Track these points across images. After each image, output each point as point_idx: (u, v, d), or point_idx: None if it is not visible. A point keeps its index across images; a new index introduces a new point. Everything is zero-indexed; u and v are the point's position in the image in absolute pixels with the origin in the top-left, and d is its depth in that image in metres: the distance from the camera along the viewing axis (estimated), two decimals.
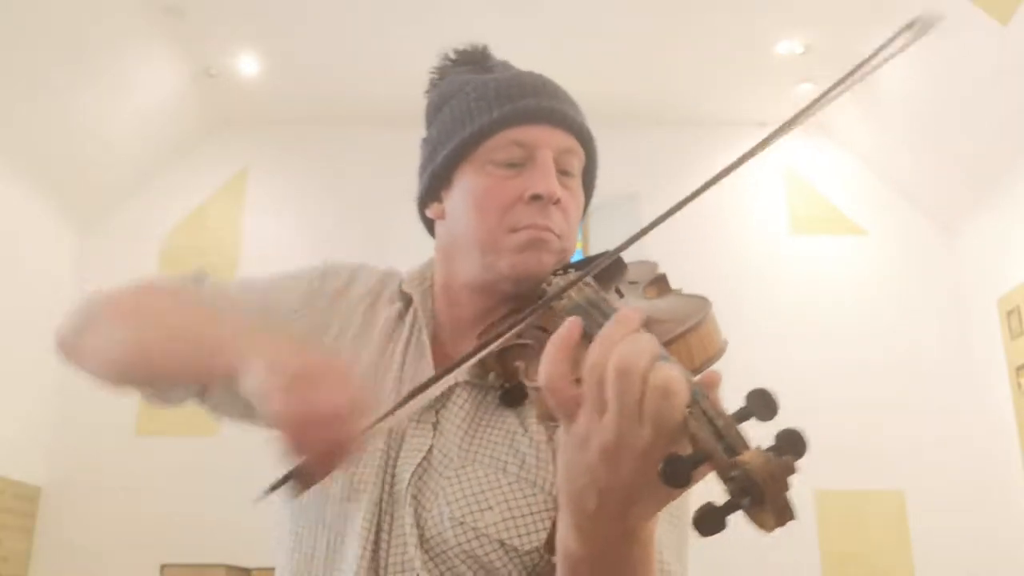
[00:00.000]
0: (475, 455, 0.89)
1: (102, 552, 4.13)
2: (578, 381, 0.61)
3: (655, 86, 4.62)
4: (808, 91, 4.63)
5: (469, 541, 0.84)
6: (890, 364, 4.50)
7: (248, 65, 4.46)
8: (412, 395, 0.80)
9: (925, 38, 0.72)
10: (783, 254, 4.74)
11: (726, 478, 0.52)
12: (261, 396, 0.72)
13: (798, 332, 4.55)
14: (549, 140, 0.96)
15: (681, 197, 0.84)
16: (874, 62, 0.74)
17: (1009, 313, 4.15)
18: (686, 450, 0.55)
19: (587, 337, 0.63)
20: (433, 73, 1.08)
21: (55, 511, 4.25)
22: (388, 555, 0.87)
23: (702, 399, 0.56)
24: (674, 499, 0.59)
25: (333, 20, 4.09)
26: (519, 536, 0.84)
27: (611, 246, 0.99)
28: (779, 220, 4.80)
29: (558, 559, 0.70)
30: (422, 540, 0.86)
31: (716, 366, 0.66)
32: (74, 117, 4.12)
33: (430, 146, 1.02)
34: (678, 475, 0.53)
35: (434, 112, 1.04)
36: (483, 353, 0.81)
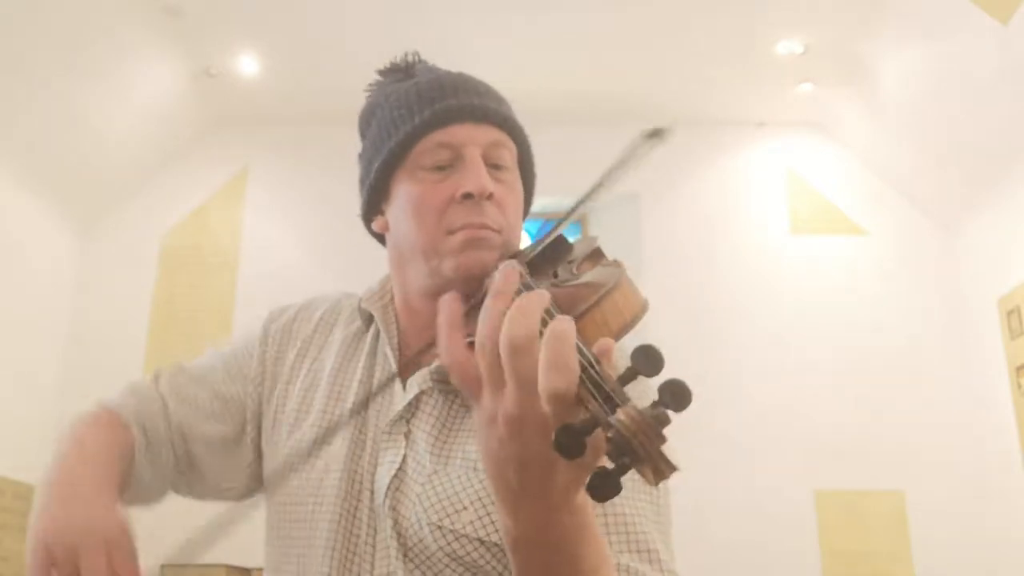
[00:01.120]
0: (447, 458, 0.90)
1: None
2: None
3: (655, 86, 4.62)
4: (808, 91, 4.63)
5: (449, 544, 0.85)
6: (890, 364, 4.50)
7: (248, 65, 4.46)
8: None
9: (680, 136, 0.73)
10: (783, 254, 4.74)
11: (607, 440, 0.52)
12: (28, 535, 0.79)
13: (798, 332, 4.55)
14: (474, 137, 0.96)
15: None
16: (614, 175, 0.76)
17: (1009, 313, 4.15)
18: (581, 418, 0.55)
19: None
20: (366, 91, 1.10)
21: None
22: (373, 566, 0.89)
23: (592, 367, 0.56)
24: (591, 467, 0.58)
25: (333, 20, 4.09)
26: (496, 532, 0.85)
27: (609, 245, 0.99)
28: (779, 220, 4.80)
29: (504, 544, 0.69)
30: (405, 549, 0.87)
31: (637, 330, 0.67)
32: (74, 117, 4.11)
33: (364, 160, 1.04)
34: (571, 445, 0.53)
35: (364, 127, 1.06)
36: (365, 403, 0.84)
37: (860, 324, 4.58)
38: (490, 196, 0.93)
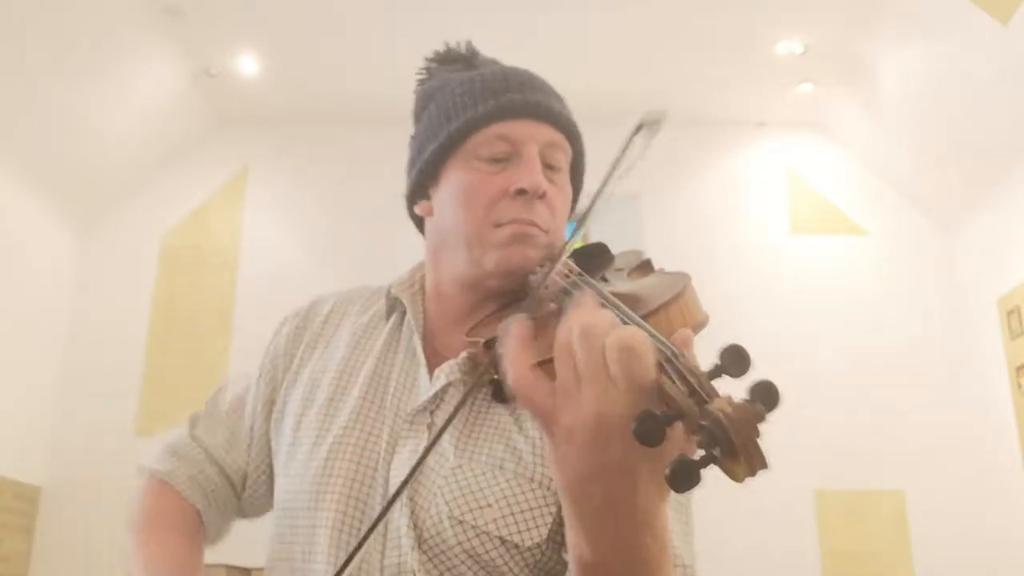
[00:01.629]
0: (471, 454, 0.89)
1: (102, 552, 4.12)
2: (547, 373, 0.61)
3: (655, 86, 4.62)
4: (808, 91, 4.63)
5: (469, 540, 0.84)
6: (890, 364, 4.50)
7: (248, 65, 4.46)
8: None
9: (665, 135, 0.74)
10: (783, 254, 4.74)
11: (697, 429, 0.51)
12: None
13: (798, 332, 4.55)
14: (534, 134, 0.96)
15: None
16: (616, 173, 0.76)
17: (1009, 313, 4.15)
18: (660, 409, 0.55)
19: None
20: (420, 72, 1.08)
21: (55, 511, 4.25)
22: (384, 556, 0.87)
23: (675, 358, 0.56)
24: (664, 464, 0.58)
25: (333, 20, 4.09)
26: (519, 532, 0.84)
27: (612, 246, 0.99)
28: (779, 220, 4.80)
29: (574, 571, 0.67)
30: (420, 541, 0.86)
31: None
32: (74, 117, 4.11)
33: (417, 143, 1.03)
34: (651, 432, 0.52)
35: (420, 109, 1.05)
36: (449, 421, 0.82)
37: (860, 324, 4.58)
38: (543, 195, 0.93)
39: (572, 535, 0.64)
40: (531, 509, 0.85)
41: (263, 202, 4.85)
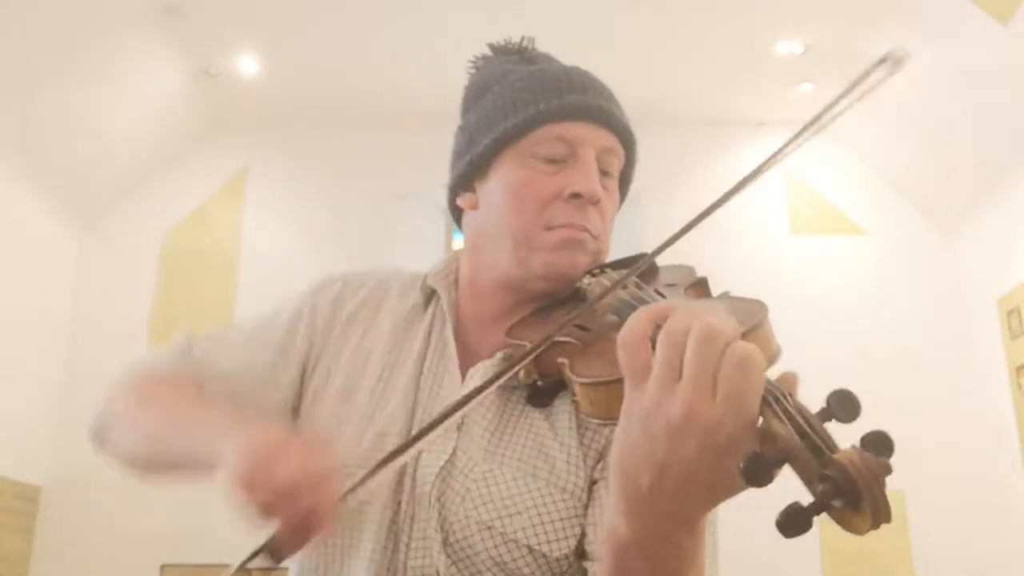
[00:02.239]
0: (502, 458, 0.87)
1: (102, 552, 4.13)
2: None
3: (655, 86, 4.62)
4: (808, 91, 4.63)
5: (497, 547, 0.83)
6: (890, 364, 4.49)
7: (248, 65, 4.46)
8: (396, 453, 0.76)
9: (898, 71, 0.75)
10: (783, 254, 4.74)
11: (818, 478, 0.50)
12: (228, 490, 0.75)
13: (798, 332, 4.52)
14: (593, 139, 0.94)
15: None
16: (853, 95, 0.75)
17: (1009, 313, 4.15)
18: (758, 447, 0.53)
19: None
20: (474, 61, 1.06)
21: (55, 511, 4.25)
22: (407, 558, 0.85)
23: (783, 397, 0.55)
24: (734, 495, 0.57)
25: (333, 20, 4.09)
26: (548, 543, 0.83)
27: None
28: (779, 220, 4.80)
29: (603, 542, 0.67)
30: (446, 544, 0.84)
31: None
32: (74, 117, 4.11)
33: (468, 133, 0.99)
34: (760, 473, 0.51)
35: (474, 99, 1.01)
36: (521, 365, 0.79)
37: (860, 324, 4.58)
38: (597, 201, 0.92)
39: (612, 508, 0.63)
40: (561, 520, 0.84)
41: (263, 202, 4.85)
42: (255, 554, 0.72)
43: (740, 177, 0.77)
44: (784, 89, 4.60)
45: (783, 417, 0.53)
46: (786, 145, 0.79)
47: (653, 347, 0.58)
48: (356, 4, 3.99)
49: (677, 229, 0.84)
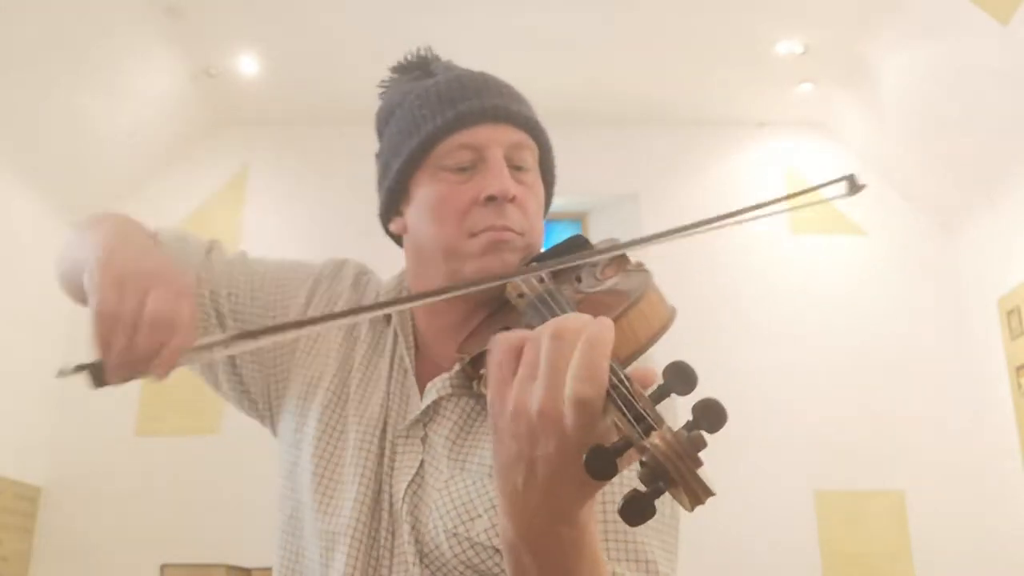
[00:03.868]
0: (463, 464, 0.89)
1: (102, 552, 4.13)
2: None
3: (655, 86, 4.62)
4: (808, 91, 4.63)
5: (464, 551, 0.84)
6: (890, 364, 4.50)
7: (248, 65, 4.45)
8: (267, 330, 0.80)
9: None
10: (783, 254, 4.74)
11: (640, 463, 0.51)
12: (89, 289, 0.75)
13: (798, 332, 4.55)
14: (497, 138, 0.95)
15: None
16: (807, 197, 0.78)
17: (1009, 313, 4.15)
18: (611, 438, 0.54)
19: (529, 328, 0.63)
20: (380, 87, 1.08)
21: (55, 511, 4.25)
22: (391, 571, 0.88)
23: (623, 384, 0.55)
24: (601, 486, 0.58)
25: (333, 20, 4.09)
26: None
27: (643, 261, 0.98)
28: (779, 220, 4.80)
29: (500, 543, 0.69)
30: (421, 555, 0.86)
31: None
32: (74, 117, 4.11)
33: (382, 161, 1.02)
34: (603, 467, 0.52)
35: (382, 126, 1.04)
36: (412, 304, 0.87)
37: (860, 324, 4.58)
38: (513, 199, 0.93)
39: (498, 508, 0.65)
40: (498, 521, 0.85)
41: (263, 202, 4.85)
42: (79, 368, 0.73)
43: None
44: (784, 89, 4.60)
45: (622, 406, 0.54)
46: (718, 221, 0.82)
47: None
48: (356, 4, 3.99)
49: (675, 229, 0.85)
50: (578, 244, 0.93)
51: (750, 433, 4.35)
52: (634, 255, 0.91)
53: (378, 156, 1.04)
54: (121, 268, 0.75)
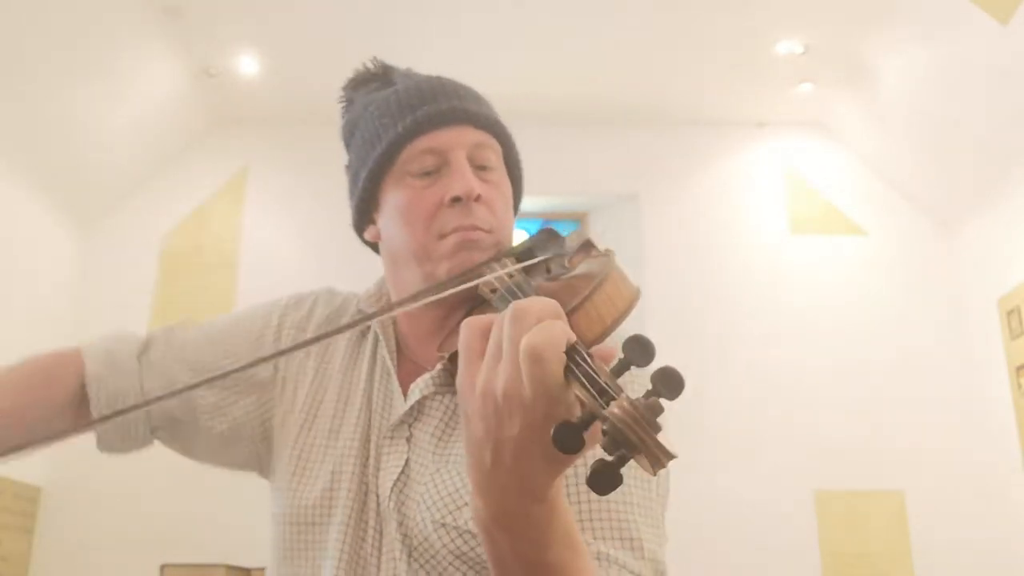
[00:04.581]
0: (447, 457, 0.91)
1: (102, 552, 4.13)
2: None
3: (655, 86, 4.62)
4: (808, 91, 4.63)
5: (453, 540, 0.86)
6: (890, 364, 4.50)
7: (248, 65, 4.46)
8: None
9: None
10: (783, 254, 4.73)
11: (603, 433, 0.53)
12: None
13: (797, 332, 4.55)
14: (458, 140, 0.97)
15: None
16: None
17: (1009, 313, 4.15)
18: (577, 414, 0.56)
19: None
20: (341, 101, 1.10)
21: (55, 511, 4.25)
22: (379, 570, 0.90)
23: (583, 361, 0.57)
24: (572, 462, 0.60)
25: (333, 20, 4.09)
26: None
27: (612, 246, 0.99)
28: (779, 220, 4.80)
29: (474, 524, 0.70)
30: (411, 549, 0.88)
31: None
32: (74, 117, 4.11)
33: (351, 173, 1.05)
34: (569, 441, 0.54)
35: (348, 139, 1.06)
36: (387, 315, 0.89)
37: (860, 324, 4.58)
38: (478, 198, 0.95)
39: (471, 488, 0.67)
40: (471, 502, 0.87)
41: (263, 202, 4.85)
42: None
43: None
44: (784, 89, 4.60)
45: (583, 380, 0.55)
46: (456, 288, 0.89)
47: None
48: (356, 4, 3.99)
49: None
50: (549, 237, 0.95)
51: (750, 433, 4.35)
52: (602, 243, 0.92)
53: (347, 168, 1.06)
54: None
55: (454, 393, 0.93)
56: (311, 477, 0.97)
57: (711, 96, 4.70)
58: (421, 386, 0.95)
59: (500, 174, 1.01)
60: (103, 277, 4.66)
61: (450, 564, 0.86)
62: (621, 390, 0.54)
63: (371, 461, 0.95)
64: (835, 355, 4.51)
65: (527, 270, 0.88)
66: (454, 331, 0.93)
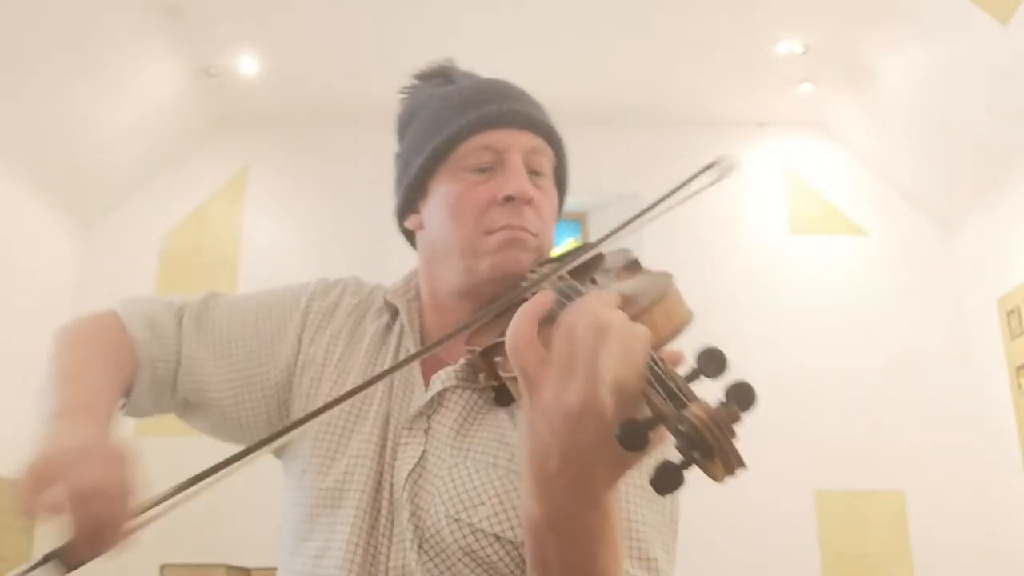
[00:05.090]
0: (466, 453, 0.91)
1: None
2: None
3: (655, 86, 4.62)
4: (808, 91, 4.63)
5: (465, 537, 0.86)
6: (890, 364, 4.50)
7: (248, 65, 4.46)
8: (205, 475, 0.82)
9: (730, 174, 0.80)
10: (783, 254, 4.74)
11: (676, 434, 0.54)
12: (21, 479, 0.77)
13: (798, 332, 4.55)
14: (517, 142, 0.98)
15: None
16: (675, 198, 0.81)
17: (1009, 313, 4.15)
18: (643, 414, 0.57)
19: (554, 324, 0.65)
20: (401, 92, 1.11)
21: None
22: (389, 559, 0.89)
23: (656, 364, 0.59)
24: (631, 465, 0.61)
25: (333, 20, 4.09)
26: (512, 529, 0.85)
27: (611, 246, 1.00)
28: (779, 220, 4.80)
29: (524, 529, 0.71)
30: (421, 541, 0.88)
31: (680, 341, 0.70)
32: (74, 117, 4.11)
33: (403, 160, 1.05)
34: (634, 438, 0.55)
35: (404, 127, 1.07)
36: (432, 350, 0.87)
37: (860, 324, 4.58)
38: (529, 200, 0.96)
39: (525, 491, 0.67)
40: (523, 506, 0.86)
41: (263, 202, 4.85)
42: (44, 560, 0.71)
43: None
44: (784, 89, 4.60)
45: (655, 384, 0.57)
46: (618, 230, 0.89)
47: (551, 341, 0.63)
48: (356, 4, 3.99)
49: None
50: (586, 250, 0.96)
51: (750, 433, 4.34)
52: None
53: (398, 156, 1.07)
54: (51, 456, 0.79)
55: (475, 388, 0.94)
56: (331, 460, 0.96)
57: (711, 96, 4.70)
58: (443, 378, 0.95)
59: (550, 182, 1.03)
60: (103, 277, 4.66)
61: (459, 560, 0.86)
62: (695, 395, 0.56)
63: (388, 450, 0.95)
64: (835, 355, 4.51)
65: (577, 277, 0.89)
66: (486, 327, 0.93)
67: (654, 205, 0.86)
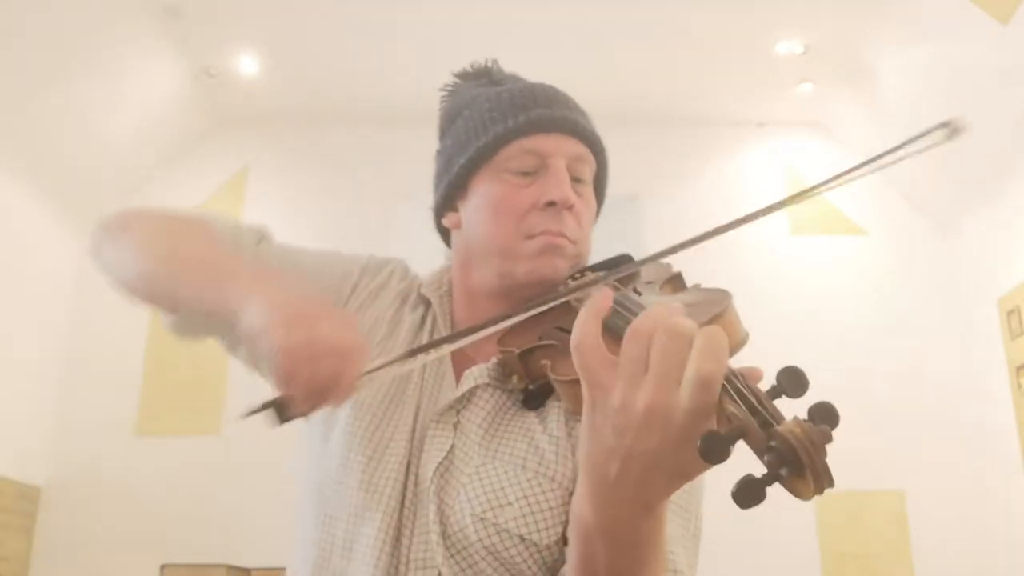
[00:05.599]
0: (495, 453, 0.91)
1: (102, 552, 4.13)
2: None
3: (655, 86, 4.62)
4: (808, 91, 4.63)
5: (490, 537, 0.85)
6: (890, 364, 4.50)
7: (248, 65, 4.46)
8: (415, 351, 0.83)
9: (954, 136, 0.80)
10: (783, 254, 4.74)
11: (765, 449, 0.53)
12: (260, 330, 0.74)
13: (798, 332, 4.54)
14: (561, 148, 0.98)
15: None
16: (899, 154, 0.80)
17: (1009, 313, 4.15)
18: (714, 426, 0.57)
19: (608, 331, 0.64)
20: (445, 88, 1.10)
21: (55, 511, 4.25)
22: (411, 550, 0.89)
23: (735, 378, 0.58)
24: (694, 477, 0.61)
25: (333, 20, 4.09)
26: (539, 531, 0.85)
27: (610, 246, 1.00)
28: (779, 220, 4.80)
29: (571, 529, 0.70)
30: (444, 536, 0.88)
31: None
32: (74, 117, 4.11)
33: (445, 156, 1.05)
34: (716, 450, 0.54)
35: (448, 124, 1.06)
36: (507, 324, 0.86)
37: (860, 324, 4.58)
38: (571, 207, 0.96)
39: (579, 494, 0.67)
40: (550, 508, 0.87)
41: (263, 202, 4.85)
42: (264, 407, 0.73)
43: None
44: (784, 89, 4.60)
45: (736, 397, 0.56)
46: (818, 186, 0.87)
47: (612, 344, 0.62)
48: (356, 4, 3.99)
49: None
50: (624, 260, 0.97)
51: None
52: (610, 253, 0.95)
53: (439, 153, 1.07)
54: (285, 305, 0.76)
55: (506, 389, 0.94)
56: (364, 440, 0.95)
57: (711, 96, 4.70)
58: (476, 374, 0.95)
59: (590, 190, 1.04)
60: (103, 278, 4.66)
61: (482, 559, 0.86)
62: (781, 415, 0.56)
63: (415, 439, 0.94)
64: (835, 355, 4.51)
65: (617, 289, 0.88)
66: (519, 328, 0.92)
67: (871, 160, 0.84)
